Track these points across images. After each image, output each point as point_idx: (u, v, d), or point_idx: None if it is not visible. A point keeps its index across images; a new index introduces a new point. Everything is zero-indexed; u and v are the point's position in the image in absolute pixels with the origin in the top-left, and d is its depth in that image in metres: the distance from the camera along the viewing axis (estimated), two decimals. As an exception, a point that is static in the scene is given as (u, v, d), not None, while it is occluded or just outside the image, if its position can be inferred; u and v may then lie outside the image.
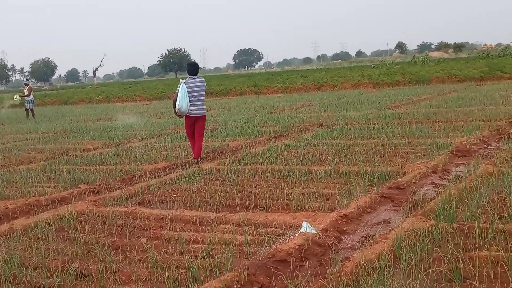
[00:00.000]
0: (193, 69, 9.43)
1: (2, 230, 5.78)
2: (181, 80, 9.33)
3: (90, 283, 4.18)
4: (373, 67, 49.00)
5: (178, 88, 9.19)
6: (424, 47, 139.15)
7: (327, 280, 3.75)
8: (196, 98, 9.28)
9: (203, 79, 9.56)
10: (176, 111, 9.33)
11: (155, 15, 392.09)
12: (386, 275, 3.83)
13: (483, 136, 9.69)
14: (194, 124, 9.43)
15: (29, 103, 24.36)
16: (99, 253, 4.73)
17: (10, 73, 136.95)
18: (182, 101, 9.13)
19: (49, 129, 17.55)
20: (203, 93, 9.41)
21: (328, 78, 36.19)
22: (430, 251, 4.23)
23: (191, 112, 9.30)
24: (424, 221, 4.88)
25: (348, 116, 14.45)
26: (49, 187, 7.95)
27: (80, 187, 7.64)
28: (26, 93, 24.28)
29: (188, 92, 9.19)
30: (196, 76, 9.41)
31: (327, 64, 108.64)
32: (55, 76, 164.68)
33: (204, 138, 10.02)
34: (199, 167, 8.57)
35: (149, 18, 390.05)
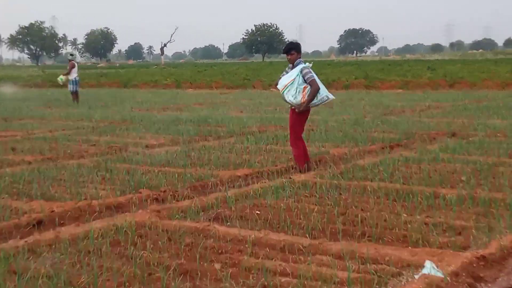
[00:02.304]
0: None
1: (47, 238, 6.06)
2: (307, 63, 9.43)
3: (150, 313, 4.32)
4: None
5: (311, 74, 9.24)
6: None
7: None
8: None
9: None
10: (319, 101, 9.40)
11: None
12: None
13: None
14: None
15: (72, 84, 24.42)
16: (162, 277, 4.87)
17: (60, 45, 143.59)
18: (324, 87, 9.40)
19: (105, 117, 18.28)
20: None
21: (465, 72, 35.33)
22: None
23: (322, 102, 9.53)
24: None
25: (491, 125, 14.03)
26: (104, 190, 8.29)
27: (141, 192, 7.90)
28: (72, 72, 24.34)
29: None
30: None
31: (464, 54, 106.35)
32: (114, 51, 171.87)
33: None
34: (290, 178, 8.63)
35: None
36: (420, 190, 7.59)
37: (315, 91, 9.16)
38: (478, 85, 30.30)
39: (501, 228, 6.10)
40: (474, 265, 5.10)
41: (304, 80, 9.18)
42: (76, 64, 24.95)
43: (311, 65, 9.45)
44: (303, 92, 9.19)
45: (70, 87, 24.59)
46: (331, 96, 9.48)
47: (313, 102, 9.26)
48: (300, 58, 9.45)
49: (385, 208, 6.99)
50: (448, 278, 4.71)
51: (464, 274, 4.87)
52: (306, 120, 9.71)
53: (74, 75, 24.43)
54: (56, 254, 5.64)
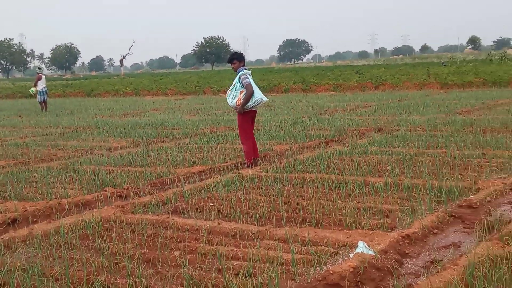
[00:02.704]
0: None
1: (21, 234, 5.97)
2: (245, 69, 9.40)
3: (117, 298, 4.28)
4: (442, 64, 48.41)
5: (247, 79, 9.22)
6: (501, 43, 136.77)
7: (387, 310, 3.74)
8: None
9: None
10: (255, 103, 9.31)
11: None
12: (456, 307, 3.80)
13: None
14: (253, 120, 9.68)
15: (40, 95, 24.29)
16: (127, 266, 4.83)
17: (28, 59, 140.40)
18: (259, 90, 9.36)
19: (71, 124, 17.99)
20: None
21: (388, 75, 35.86)
22: (508, 281, 4.16)
23: (257, 104, 9.43)
24: (501, 246, 4.80)
25: (411, 121, 14.31)
26: (72, 189, 8.18)
27: (106, 190, 7.81)
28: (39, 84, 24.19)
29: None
30: None
31: (386, 59, 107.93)
32: (78, 64, 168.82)
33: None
34: (239, 173, 8.64)
35: (184, 2, 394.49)
36: (352, 180, 7.70)
37: (249, 94, 9.18)
38: (399, 87, 30.80)
39: (422, 210, 6.24)
40: (400, 243, 5.21)
41: (242, 84, 9.22)
42: (43, 76, 24.81)
43: (250, 71, 9.47)
44: (239, 95, 9.26)
45: (39, 97, 24.61)
46: (265, 99, 9.48)
47: (248, 104, 9.27)
48: (243, 66, 9.47)
49: (323, 196, 7.07)
50: (378, 255, 4.79)
51: (392, 251, 4.97)
52: (252, 120, 9.68)
53: (41, 86, 24.32)
54: (30, 249, 5.57)
